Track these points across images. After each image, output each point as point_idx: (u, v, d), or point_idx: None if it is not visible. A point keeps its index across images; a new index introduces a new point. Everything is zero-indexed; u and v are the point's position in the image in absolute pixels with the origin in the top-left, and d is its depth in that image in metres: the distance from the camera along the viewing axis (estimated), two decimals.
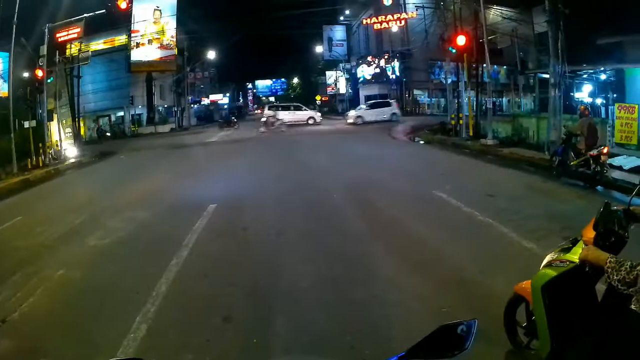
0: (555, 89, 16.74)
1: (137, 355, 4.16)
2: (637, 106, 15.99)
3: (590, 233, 3.03)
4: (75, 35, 28.27)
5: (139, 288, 5.94)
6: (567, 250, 3.27)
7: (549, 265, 3.30)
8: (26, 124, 22.12)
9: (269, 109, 43.20)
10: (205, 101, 76.50)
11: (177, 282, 6.14)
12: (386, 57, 52.26)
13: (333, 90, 71.77)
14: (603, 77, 25.77)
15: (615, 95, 22.69)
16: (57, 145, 26.00)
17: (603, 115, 21.10)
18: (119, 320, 5.08)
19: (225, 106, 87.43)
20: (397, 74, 50.84)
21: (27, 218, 11.28)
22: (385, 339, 4.41)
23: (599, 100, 26.11)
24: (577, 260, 2.94)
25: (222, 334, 4.70)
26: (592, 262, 2.71)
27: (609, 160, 12.56)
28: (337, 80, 69.23)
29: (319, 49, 70.59)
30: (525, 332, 3.81)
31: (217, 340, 4.57)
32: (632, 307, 2.57)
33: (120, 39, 45.77)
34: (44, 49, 23.99)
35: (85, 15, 26.46)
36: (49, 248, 8.28)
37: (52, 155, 24.15)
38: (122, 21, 42.12)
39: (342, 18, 63.73)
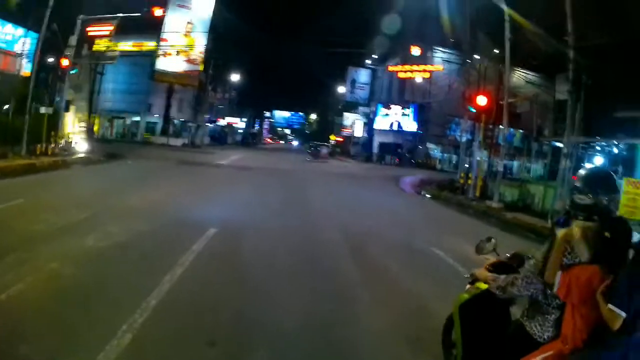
0: (567, 159, 16.81)
1: None
2: None
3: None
4: (107, 33, 28.58)
5: (129, 297, 5.75)
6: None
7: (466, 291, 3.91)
8: (42, 110, 22.10)
9: None
10: (221, 122, 77.08)
11: (166, 299, 5.87)
12: (403, 107, 52.73)
13: (349, 132, 72.04)
14: (616, 150, 25.73)
15: (623, 169, 22.52)
16: (68, 137, 26.13)
17: None
18: (105, 323, 4.93)
19: (240, 130, 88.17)
20: (415, 124, 51.12)
21: (29, 203, 11.22)
22: None
23: None
24: (485, 287, 3.55)
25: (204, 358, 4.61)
26: (480, 278, 3.61)
27: None
28: (353, 123, 69.58)
29: (341, 89, 71.31)
30: None
31: None
32: (520, 318, 3.16)
33: (149, 44, 45.26)
34: (73, 40, 24.36)
35: (120, 15, 27.00)
36: (47, 237, 8.07)
37: (62, 145, 24.16)
38: (152, 28, 41.80)
39: (368, 62, 64.55)
